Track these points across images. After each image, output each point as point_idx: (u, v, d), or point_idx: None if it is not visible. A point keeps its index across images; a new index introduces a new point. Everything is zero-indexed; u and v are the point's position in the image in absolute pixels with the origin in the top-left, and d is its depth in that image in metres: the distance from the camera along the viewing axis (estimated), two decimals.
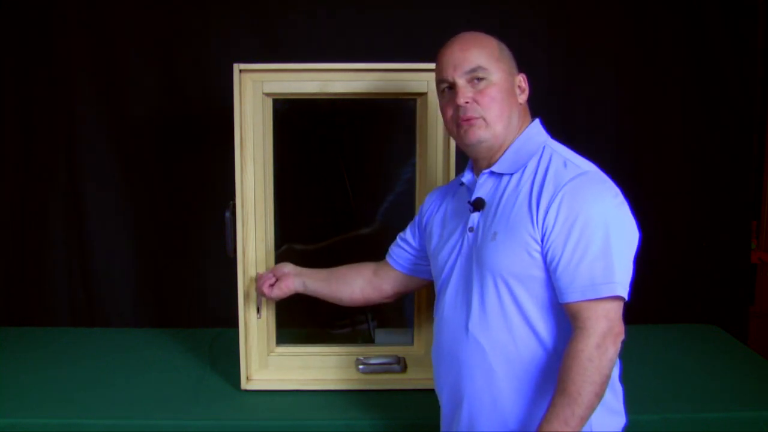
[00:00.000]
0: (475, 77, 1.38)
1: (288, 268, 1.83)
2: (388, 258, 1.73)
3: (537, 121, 1.45)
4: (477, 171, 1.45)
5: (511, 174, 1.38)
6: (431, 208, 1.60)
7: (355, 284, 1.76)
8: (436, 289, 1.52)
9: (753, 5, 2.50)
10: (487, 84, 1.38)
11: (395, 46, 2.38)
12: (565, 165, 1.33)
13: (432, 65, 1.84)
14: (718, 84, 2.51)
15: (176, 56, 2.42)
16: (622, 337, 1.26)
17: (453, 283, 1.45)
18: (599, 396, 1.23)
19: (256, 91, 1.86)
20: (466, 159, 1.98)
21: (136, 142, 2.45)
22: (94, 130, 2.44)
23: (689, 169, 2.55)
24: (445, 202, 1.57)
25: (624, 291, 1.26)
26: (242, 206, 1.89)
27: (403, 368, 1.99)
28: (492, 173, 1.41)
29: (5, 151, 2.45)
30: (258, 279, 1.86)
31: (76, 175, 2.46)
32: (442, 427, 1.52)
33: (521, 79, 1.43)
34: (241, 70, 1.83)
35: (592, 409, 1.23)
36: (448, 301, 1.45)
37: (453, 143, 1.87)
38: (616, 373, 1.39)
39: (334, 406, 1.86)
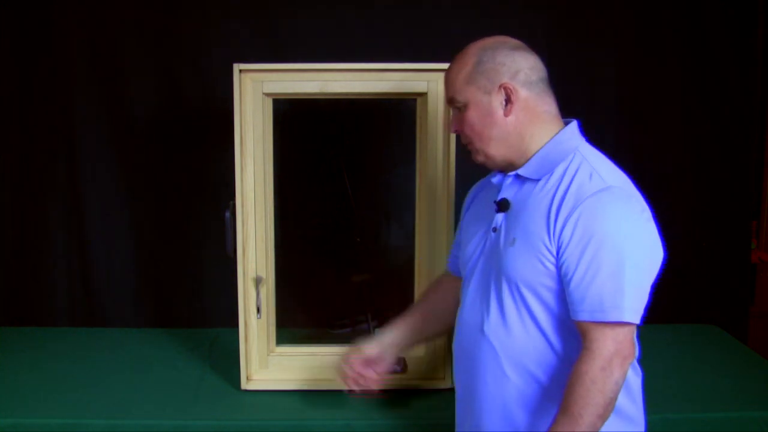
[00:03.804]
0: (455, 106, 1.41)
1: (377, 348, 1.63)
2: (453, 272, 1.65)
3: (572, 124, 1.40)
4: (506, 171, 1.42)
5: (537, 179, 1.35)
6: (467, 202, 1.59)
7: (449, 318, 1.59)
8: (462, 283, 1.51)
9: (753, 5, 2.50)
10: (463, 111, 1.39)
11: (395, 46, 2.37)
12: (590, 177, 1.28)
13: (432, 65, 1.86)
14: (718, 84, 2.51)
15: (176, 56, 2.41)
16: (631, 359, 1.25)
17: (474, 281, 1.44)
18: (603, 417, 1.22)
19: (256, 91, 1.86)
20: (467, 159, 1.98)
21: (136, 142, 2.45)
22: (94, 130, 2.44)
23: (689, 169, 2.55)
24: (478, 197, 1.55)
25: (632, 316, 1.23)
26: (242, 206, 1.89)
27: (403, 368, 1.99)
28: (517, 176, 1.38)
29: (5, 151, 2.45)
30: (349, 375, 1.62)
31: (76, 175, 2.46)
32: (456, 419, 1.52)
33: (505, 92, 1.34)
34: (241, 70, 1.83)
35: (594, 430, 1.22)
36: (469, 298, 1.45)
37: (453, 143, 1.87)
38: (637, 384, 1.39)
39: (334, 406, 1.86)
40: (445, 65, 1.83)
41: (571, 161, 1.33)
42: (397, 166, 2.35)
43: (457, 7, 2.41)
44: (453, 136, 1.87)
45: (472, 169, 2.15)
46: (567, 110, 2.66)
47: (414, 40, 2.38)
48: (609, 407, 1.23)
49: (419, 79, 1.86)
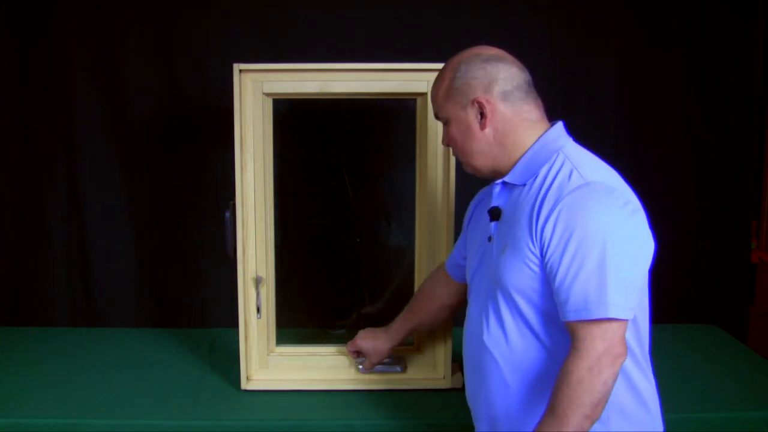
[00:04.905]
0: (441, 122, 1.44)
1: (369, 344, 1.91)
2: (451, 274, 1.74)
3: (557, 125, 1.39)
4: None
5: (523, 184, 1.35)
6: (468, 213, 1.61)
7: (442, 314, 1.82)
8: (468, 293, 1.52)
9: (753, 5, 2.50)
10: (447, 126, 1.42)
11: (395, 46, 2.37)
12: (570, 175, 1.28)
13: (432, 65, 1.86)
14: (718, 84, 2.51)
15: (176, 56, 2.42)
16: (623, 358, 1.22)
17: (475, 291, 1.45)
18: (591, 418, 1.19)
19: (256, 91, 1.86)
20: None
21: (136, 142, 2.45)
22: (94, 130, 2.44)
23: (689, 169, 2.55)
24: (478, 207, 1.56)
25: (619, 312, 1.20)
26: (242, 206, 1.89)
27: (403, 368, 1.99)
28: (505, 184, 1.39)
29: (5, 150, 2.45)
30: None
31: (76, 175, 2.46)
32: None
33: (479, 106, 1.35)
34: (241, 70, 1.83)
35: (582, 430, 1.20)
36: (471, 308, 1.46)
37: None
38: (648, 388, 1.36)
39: (334, 406, 1.86)
40: None
41: (553, 162, 1.32)
42: (397, 166, 2.35)
43: (457, 7, 2.41)
44: None
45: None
46: (567, 110, 2.68)
47: (414, 40, 2.38)
48: (598, 408, 1.20)
49: (419, 79, 1.86)
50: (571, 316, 1.23)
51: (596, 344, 1.20)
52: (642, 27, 2.48)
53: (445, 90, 1.39)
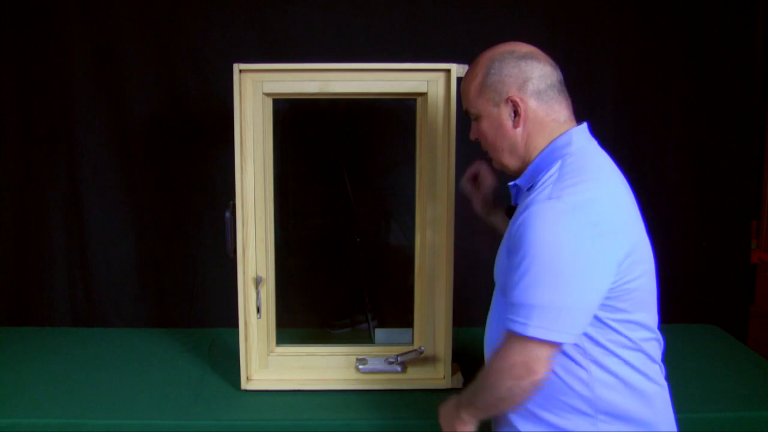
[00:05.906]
0: (471, 117, 1.43)
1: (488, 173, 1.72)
2: None
3: (573, 129, 1.36)
4: None
5: (529, 188, 1.35)
6: None
7: None
8: None
9: (753, 5, 2.50)
10: (478, 122, 1.41)
11: (395, 46, 2.38)
12: (551, 186, 1.26)
13: (432, 65, 1.86)
14: (718, 84, 2.51)
15: (176, 56, 2.41)
16: (537, 377, 1.21)
17: (496, 285, 1.47)
18: (496, 407, 1.31)
19: (256, 91, 1.86)
20: (467, 160, 1.99)
21: (136, 142, 2.45)
22: (94, 131, 2.44)
23: (689, 169, 2.55)
24: None
25: (543, 334, 1.19)
26: (242, 206, 1.89)
27: (403, 368, 1.99)
28: (515, 185, 1.40)
29: (5, 151, 2.45)
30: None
31: (76, 175, 2.46)
32: None
33: (512, 105, 1.34)
34: (241, 70, 1.83)
35: (486, 411, 1.33)
36: (492, 301, 1.46)
37: (453, 143, 1.88)
38: (655, 391, 1.37)
39: (334, 406, 1.86)
40: (446, 65, 1.86)
41: (551, 170, 1.31)
42: (397, 166, 2.35)
43: (457, 7, 2.41)
44: (453, 136, 1.87)
45: None
46: None
47: (414, 40, 2.38)
48: (501, 404, 1.29)
49: (419, 79, 1.86)
50: (506, 321, 1.25)
51: (513, 354, 1.23)
52: (642, 27, 2.48)
53: (477, 86, 1.37)
